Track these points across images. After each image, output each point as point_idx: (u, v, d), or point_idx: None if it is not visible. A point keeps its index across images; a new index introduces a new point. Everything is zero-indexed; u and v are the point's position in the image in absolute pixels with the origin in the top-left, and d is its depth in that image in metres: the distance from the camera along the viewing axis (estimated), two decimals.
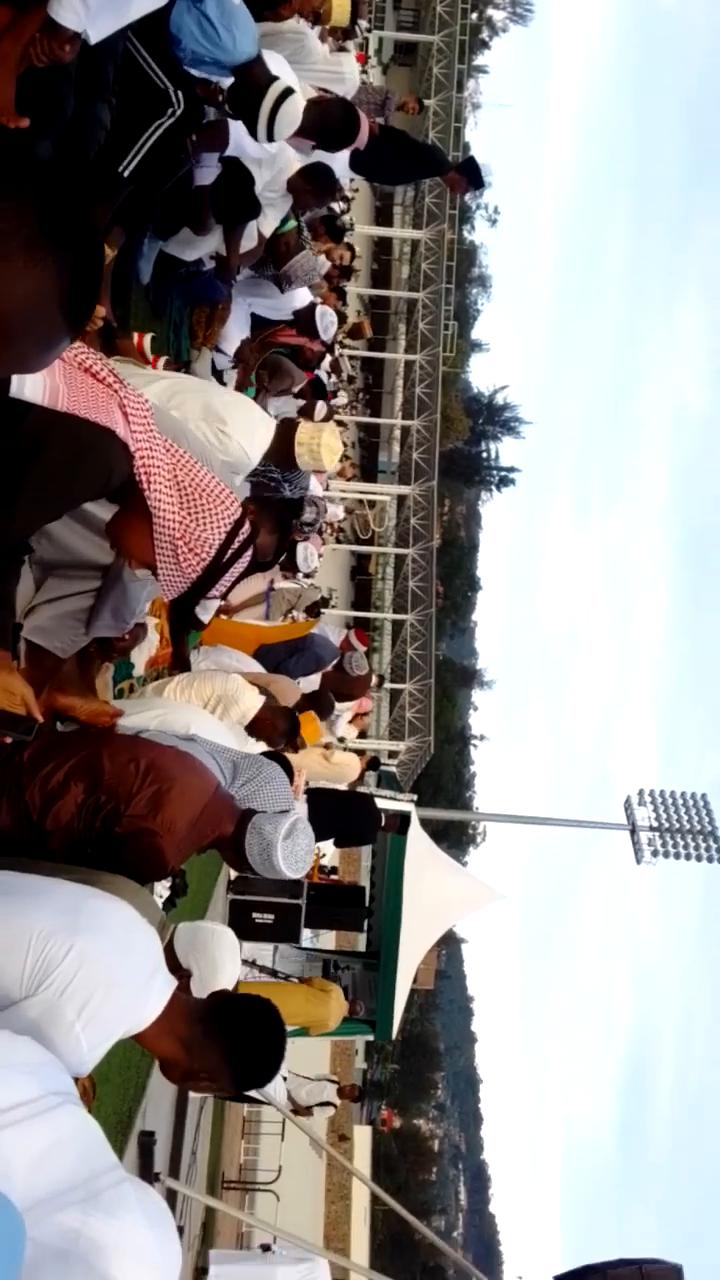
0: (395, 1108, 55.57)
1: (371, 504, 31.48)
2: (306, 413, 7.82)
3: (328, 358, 9.47)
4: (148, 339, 4.69)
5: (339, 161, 5.71)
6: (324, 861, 12.66)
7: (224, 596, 4.22)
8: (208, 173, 4.53)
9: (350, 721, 10.06)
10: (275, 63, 4.20)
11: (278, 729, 4.67)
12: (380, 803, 9.76)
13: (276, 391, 6.81)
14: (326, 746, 8.76)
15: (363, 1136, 26.96)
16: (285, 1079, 9.85)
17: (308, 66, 5.33)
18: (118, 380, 2.09)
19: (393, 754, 28.22)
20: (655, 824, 22.33)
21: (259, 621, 7.35)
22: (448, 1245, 8.35)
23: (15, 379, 1.82)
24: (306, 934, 11.43)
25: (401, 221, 34.86)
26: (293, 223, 5.47)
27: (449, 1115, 76.54)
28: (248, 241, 5.16)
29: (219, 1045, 1.87)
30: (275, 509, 3.59)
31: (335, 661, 7.46)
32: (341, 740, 9.83)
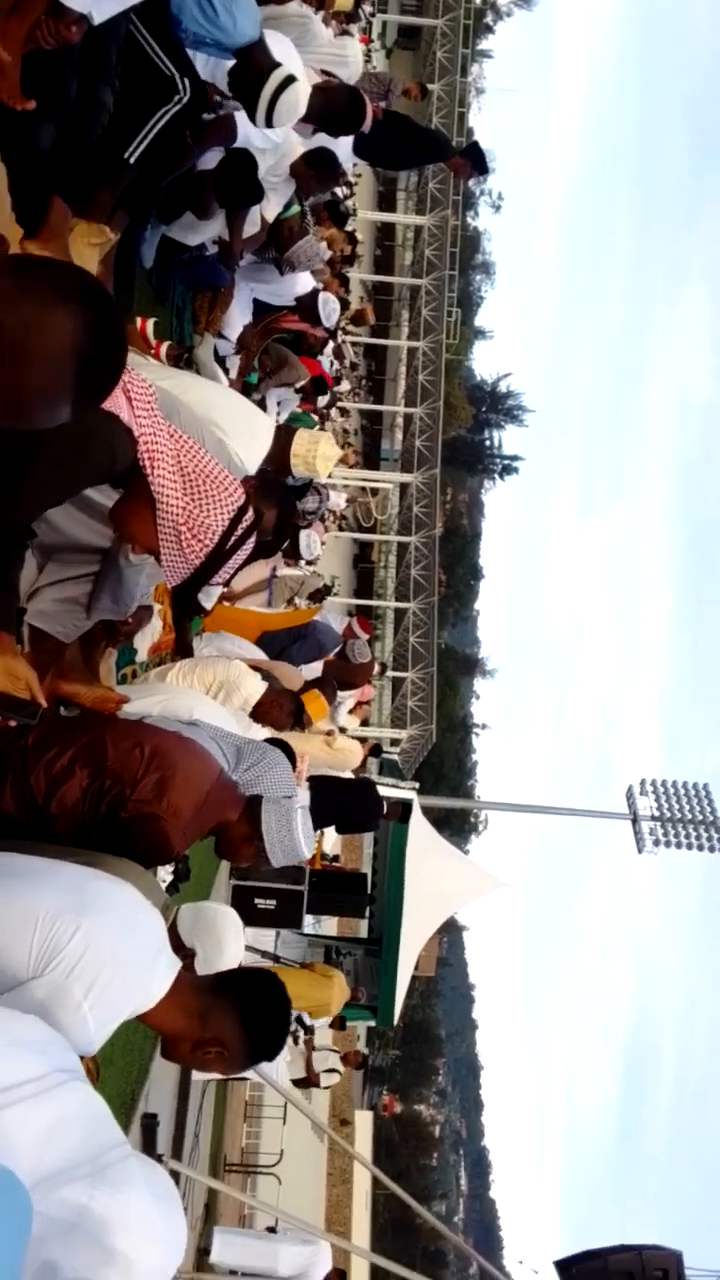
0: (396, 1093, 55.85)
1: (374, 492, 31.44)
2: (307, 405, 7.81)
3: (330, 344, 9.45)
4: (150, 324, 4.68)
5: (342, 146, 5.69)
6: (326, 849, 12.69)
7: (227, 583, 4.23)
8: (210, 157, 4.51)
9: (351, 711, 10.07)
10: (280, 45, 4.17)
11: (282, 713, 4.69)
12: (382, 790, 9.78)
13: (279, 384, 6.80)
14: (328, 733, 8.78)
15: (364, 1121, 27.12)
16: (286, 1061, 9.90)
17: (312, 50, 5.30)
18: None
19: (394, 742, 28.24)
20: (657, 813, 22.36)
21: (261, 608, 7.36)
22: (448, 1229, 8.41)
23: None
24: (308, 920, 11.48)
25: (405, 207, 34.70)
26: (296, 207, 5.45)
27: (450, 1101, 76.94)
28: (250, 226, 5.15)
29: (232, 1012, 1.88)
30: (278, 493, 3.59)
31: (337, 649, 7.47)
32: (343, 730, 9.84)
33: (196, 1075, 7.65)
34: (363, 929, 14.02)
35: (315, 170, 5.13)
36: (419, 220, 30.88)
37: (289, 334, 6.74)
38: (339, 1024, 11.57)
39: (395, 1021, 12.72)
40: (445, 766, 52.08)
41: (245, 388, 6.03)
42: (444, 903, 12.31)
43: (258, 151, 4.65)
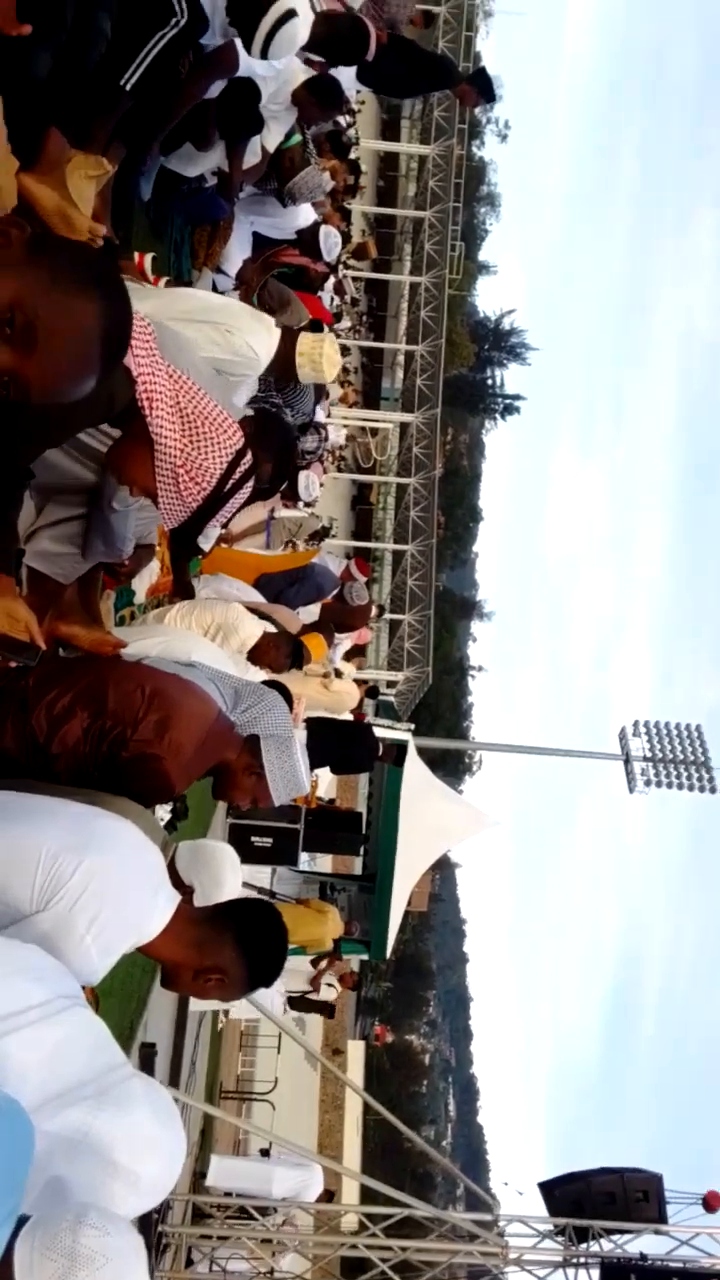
0: (388, 1024, 57.24)
1: (373, 432, 31.10)
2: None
3: (331, 279, 9.28)
4: (148, 259, 4.60)
5: (345, 73, 5.53)
6: (320, 793, 12.84)
7: (225, 525, 4.22)
8: (213, 87, 4.39)
9: (346, 658, 10.09)
10: None
11: (280, 655, 4.71)
12: (378, 732, 9.86)
13: (279, 323, 6.68)
14: (325, 676, 8.82)
15: (356, 1051, 27.87)
16: (282, 994, 10.14)
17: None
18: None
19: (391, 684, 28.39)
20: (649, 754, 22.60)
21: (260, 550, 7.34)
22: (436, 1152, 8.70)
23: None
24: (304, 857, 11.67)
25: (409, 136, 33.72)
26: (297, 137, 5.32)
27: (440, 1031, 78.95)
28: (251, 157, 5.03)
29: (230, 940, 1.95)
30: (276, 436, 3.56)
31: (335, 591, 7.47)
32: (340, 673, 9.88)
33: (194, 1006, 7.84)
34: (357, 866, 14.25)
35: (318, 98, 4.99)
36: (423, 150, 30.03)
37: (289, 268, 6.62)
38: (336, 954, 11.88)
39: (388, 955, 12.99)
40: (441, 708, 52.39)
41: None
42: (437, 841, 12.49)
43: (259, 79, 4.52)
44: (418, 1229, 6.42)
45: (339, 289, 13.53)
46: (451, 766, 50.87)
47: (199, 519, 2.29)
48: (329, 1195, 9.24)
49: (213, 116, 4.50)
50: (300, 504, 8.97)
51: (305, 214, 6.18)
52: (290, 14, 3.82)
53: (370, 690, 11.28)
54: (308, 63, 4.97)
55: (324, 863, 16.29)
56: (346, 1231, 6.87)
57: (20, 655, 2.19)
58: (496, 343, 61.92)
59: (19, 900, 1.65)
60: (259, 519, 7.37)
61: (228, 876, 2.79)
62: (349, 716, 8.44)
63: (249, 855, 8.75)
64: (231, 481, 2.25)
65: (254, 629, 4.68)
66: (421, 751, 13.58)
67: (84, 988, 1.69)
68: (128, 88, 3.32)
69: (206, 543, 4.54)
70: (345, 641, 9.30)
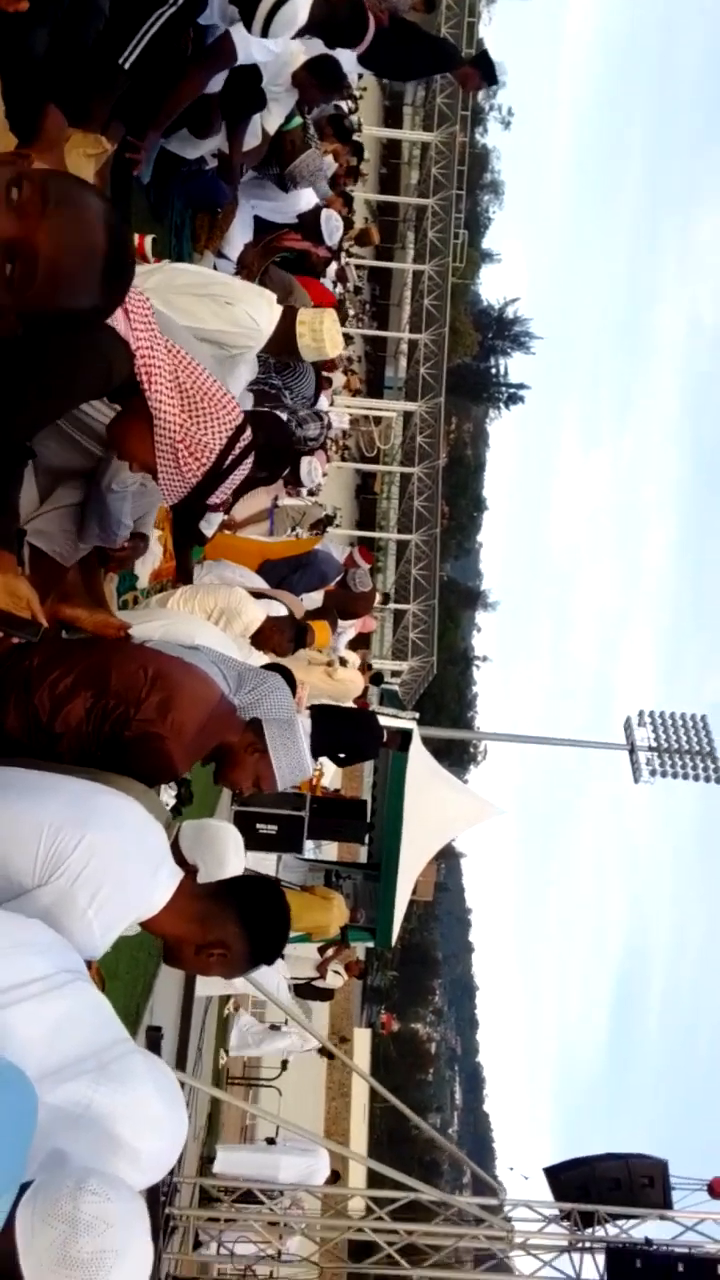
0: (394, 1012, 57.44)
1: (377, 420, 31.02)
2: None
3: (333, 265, 9.24)
4: (148, 241, 4.59)
5: (346, 55, 5.49)
6: (325, 783, 12.85)
7: (226, 509, 4.20)
8: (216, 80, 4.36)
9: (351, 647, 10.10)
10: None
11: (283, 639, 4.71)
12: (382, 720, 9.87)
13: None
14: (329, 664, 8.82)
15: (362, 1039, 27.97)
16: (286, 976, 10.17)
17: None
18: None
19: (395, 674, 28.38)
20: (654, 744, 22.58)
21: (263, 537, 7.33)
22: (443, 1139, 8.74)
23: None
24: (309, 845, 11.67)
25: (411, 123, 33.56)
26: (298, 120, 5.29)
27: (446, 1020, 79.20)
28: (251, 138, 5.00)
29: (233, 915, 1.94)
30: (267, 422, 3.54)
31: (339, 578, 7.47)
32: (344, 661, 9.89)
33: (199, 991, 7.86)
34: (362, 854, 14.27)
35: (318, 79, 4.96)
36: (426, 137, 29.88)
37: (291, 253, 6.59)
38: (343, 942, 11.93)
39: (393, 943, 13.03)
40: (445, 698, 52.44)
41: None
42: (442, 829, 12.52)
43: (259, 65, 4.49)
44: (424, 1213, 6.45)
45: (341, 276, 13.46)
46: (456, 756, 50.90)
47: (198, 495, 2.28)
48: (335, 1176, 9.30)
49: (217, 108, 4.47)
50: (303, 491, 8.95)
51: (307, 198, 6.15)
52: None
53: (374, 676, 11.28)
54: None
55: (329, 850, 16.31)
56: (353, 1215, 6.90)
57: (21, 632, 2.19)
58: (500, 331, 61.72)
59: (21, 874, 1.65)
60: (262, 507, 7.35)
61: (231, 857, 2.80)
62: (353, 704, 8.45)
63: (254, 842, 8.75)
64: (230, 458, 2.24)
65: (257, 613, 4.68)
66: (426, 741, 13.60)
67: (89, 965, 1.69)
68: (126, 66, 3.31)
69: (209, 528, 4.54)
70: (350, 630, 9.30)
